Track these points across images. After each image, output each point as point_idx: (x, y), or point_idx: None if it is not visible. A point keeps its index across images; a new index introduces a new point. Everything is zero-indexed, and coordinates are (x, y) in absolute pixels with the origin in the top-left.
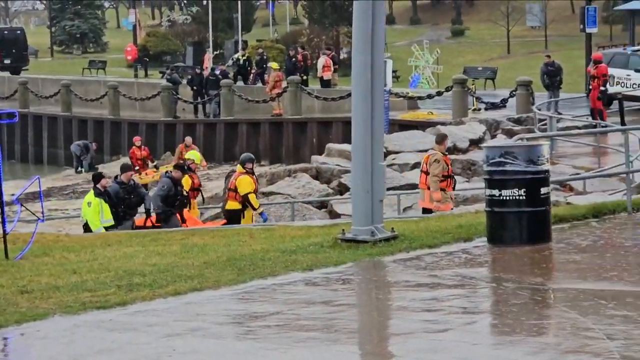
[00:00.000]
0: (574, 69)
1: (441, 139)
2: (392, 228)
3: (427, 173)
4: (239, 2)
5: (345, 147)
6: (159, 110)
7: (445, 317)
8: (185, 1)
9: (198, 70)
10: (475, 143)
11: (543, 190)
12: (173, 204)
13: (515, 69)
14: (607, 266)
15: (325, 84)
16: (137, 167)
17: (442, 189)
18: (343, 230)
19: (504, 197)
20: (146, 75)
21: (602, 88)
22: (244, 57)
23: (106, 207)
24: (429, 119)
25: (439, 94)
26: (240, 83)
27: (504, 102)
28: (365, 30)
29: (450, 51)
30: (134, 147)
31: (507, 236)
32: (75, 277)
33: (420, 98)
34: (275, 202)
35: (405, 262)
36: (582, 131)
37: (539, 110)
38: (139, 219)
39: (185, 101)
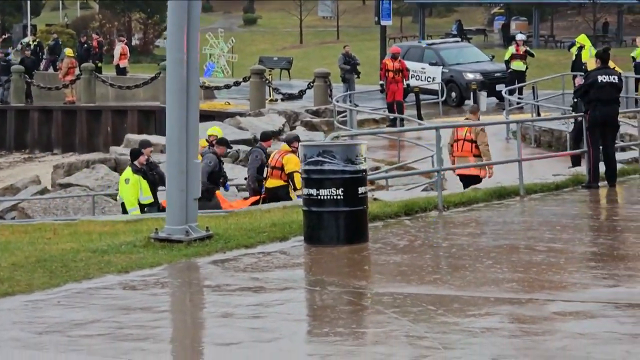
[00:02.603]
0: (366, 60)
1: (475, 109)
2: (207, 227)
3: (471, 141)
4: None
5: (144, 138)
6: None
7: (272, 324)
8: None
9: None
10: (275, 135)
11: (361, 189)
12: (217, 181)
13: (308, 58)
14: (428, 268)
15: (121, 71)
16: None
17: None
18: (156, 229)
19: (322, 197)
20: None
21: (406, 81)
22: (35, 43)
23: (145, 185)
24: (226, 109)
25: (237, 84)
26: None
27: (301, 93)
28: (180, 27)
29: (243, 40)
30: None
31: (325, 236)
32: None
33: (217, 88)
34: (75, 195)
35: (223, 263)
36: (400, 129)
37: (338, 102)
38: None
39: None
